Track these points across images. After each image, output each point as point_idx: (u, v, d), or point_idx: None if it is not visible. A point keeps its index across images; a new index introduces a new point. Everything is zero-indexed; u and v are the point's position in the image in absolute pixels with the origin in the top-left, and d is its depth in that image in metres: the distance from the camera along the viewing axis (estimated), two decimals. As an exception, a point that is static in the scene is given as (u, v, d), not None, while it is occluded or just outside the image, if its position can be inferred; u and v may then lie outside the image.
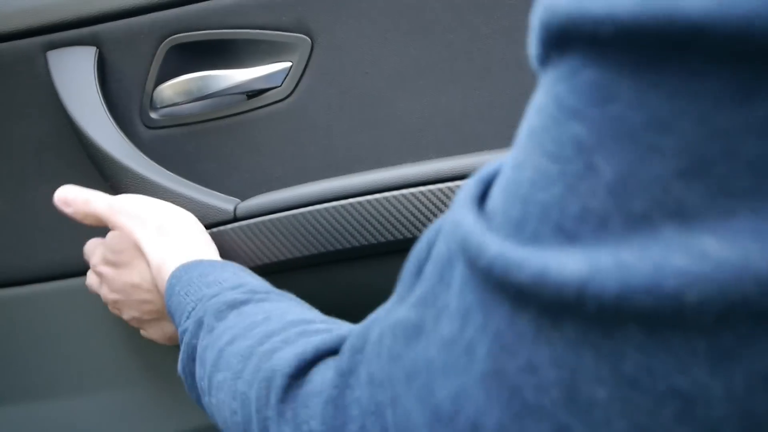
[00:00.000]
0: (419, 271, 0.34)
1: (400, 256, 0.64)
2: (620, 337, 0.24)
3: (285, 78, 0.67)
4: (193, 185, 0.67)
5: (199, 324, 0.53)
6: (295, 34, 0.67)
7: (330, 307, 0.67)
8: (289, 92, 0.67)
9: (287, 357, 0.42)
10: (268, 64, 0.67)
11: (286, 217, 0.65)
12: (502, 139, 0.66)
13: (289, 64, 0.67)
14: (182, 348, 0.55)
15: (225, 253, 0.66)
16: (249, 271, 0.61)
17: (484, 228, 0.28)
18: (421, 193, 0.64)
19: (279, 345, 0.44)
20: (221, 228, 0.66)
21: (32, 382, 0.78)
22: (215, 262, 0.60)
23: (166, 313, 0.66)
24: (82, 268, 0.73)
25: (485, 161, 0.64)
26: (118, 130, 0.68)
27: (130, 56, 0.69)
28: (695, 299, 0.23)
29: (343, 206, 0.65)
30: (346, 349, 0.38)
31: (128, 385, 0.75)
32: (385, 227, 0.64)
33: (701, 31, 0.22)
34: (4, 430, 0.77)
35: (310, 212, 0.64)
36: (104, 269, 0.67)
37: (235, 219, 0.65)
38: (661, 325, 0.23)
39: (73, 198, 0.66)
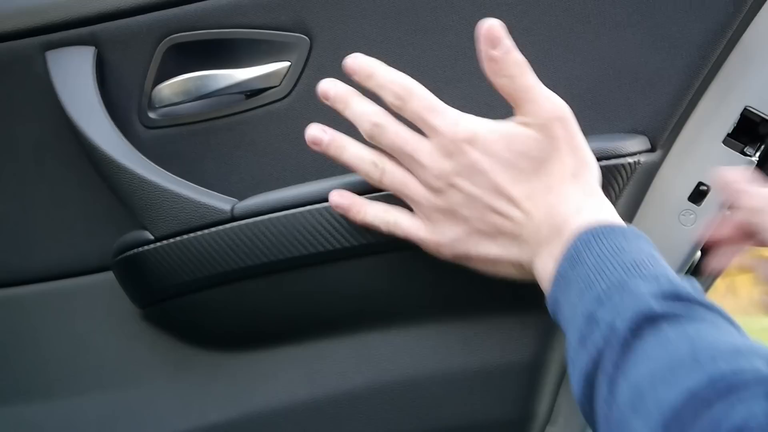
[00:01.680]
0: None
1: (399, 256, 0.64)
2: None
3: (283, 78, 0.67)
4: (190, 185, 0.67)
5: (613, 329, 0.46)
6: (293, 34, 0.67)
7: (329, 307, 0.67)
8: (287, 92, 0.67)
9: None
10: (267, 63, 0.67)
11: (284, 217, 0.64)
12: None
13: (287, 63, 0.67)
14: (590, 348, 0.47)
15: (222, 253, 0.66)
16: (655, 248, 0.52)
17: None
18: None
19: (702, 410, 0.38)
20: (219, 228, 0.66)
21: (32, 382, 0.78)
22: (627, 231, 0.52)
23: (517, 245, 0.57)
24: (81, 268, 0.73)
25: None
26: (116, 130, 0.68)
27: (128, 56, 0.69)
28: None
29: None
30: None
31: (128, 385, 0.75)
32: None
33: None
34: (4, 430, 0.77)
35: (308, 212, 0.64)
36: (475, 152, 0.56)
37: (233, 219, 0.65)
38: None
39: (508, 48, 0.56)
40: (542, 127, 0.56)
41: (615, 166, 0.61)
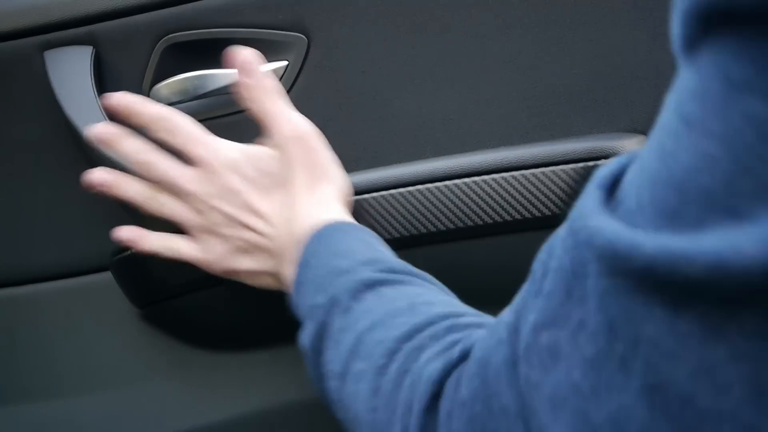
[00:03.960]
0: (539, 292, 0.32)
1: (398, 255, 0.64)
2: None
3: (281, 77, 0.67)
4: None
5: (333, 301, 0.50)
6: (291, 33, 0.67)
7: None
8: (285, 91, 0.67)
9: (436, 365, 0.40)
10: (264, 63, 0.67)
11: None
12: (500, 137, 0.65)
13: (285, 63, 0.67)
14: (313, 324, 0.52)
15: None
16: (378, 240, 0.58)
17: (627, 229, 0.27)
18: (419, 191, 0.64)
19: (427, 342, 0.43)
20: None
21: (32, 382, 0.78)
22: (348, 226, 0.57)
23: (269, 257, 0.61)
24: (80, 268, 0.73)
25: (483, 160, 0.64)
26: None
27: (126, 55, 0.69)
28: None
29: None
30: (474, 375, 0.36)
31: (128, 385, 0.75)
32: (383, 226, 0.64)
33: None
34: (4, 430, 0.78)
35: None
36: (228, 175, 0.61)
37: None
38: None
39: (260, 77, 0.62)
40: (281, 147, 0.61)
41: (614, 166, 0.61)
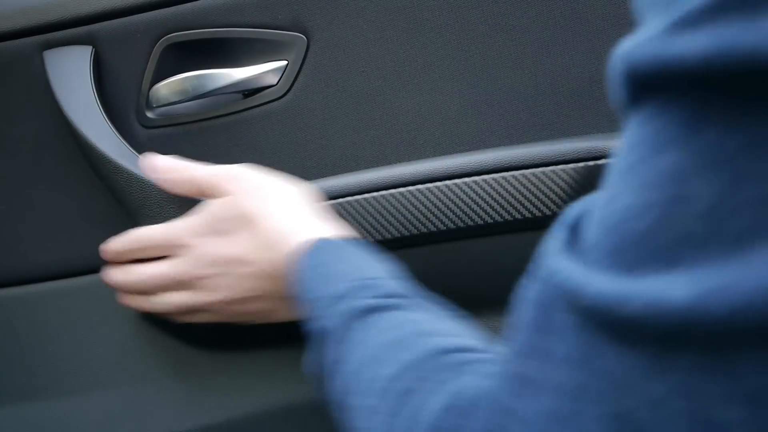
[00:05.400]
0: (517, 323, 0.34)
1: (398, 256, 0.64)
2: (737, 358, 0.24)
3: (281, 77, 0.67)
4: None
5: (326, 331, 0.50)
6: (290, 33, 0.67)
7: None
8: (285, 91, 0.67)
9: (428, 412, 0.39)
10: (264, 62, 0.67)
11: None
12: (499, 137, 0.65)
13: (284, 62, 0.67)
14: (312, 348, 0.52)
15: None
16: (368, 252, 0.56)
17: (580, 268, 0.29)
18: (419, 191, 0.64)
19: (415, 384, 0.42)
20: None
21: (32, 382, 0.78)
22: (337, 244, 0.56)
23: (268, 290, 0.61)
24: (80, 268, 0.73)
25: (482, 160, 0.64)
26: (114, 130, 0.68)
27: (126, 55, 0.69)
28: None
29: (340, 204, 0.65)
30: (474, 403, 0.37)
31: (128, 385, 0.75)
32: (382, 225, 0.64)
33: None
34: (4, 430, 0.77)
35: None
36: (196, 241, 0.62)
37: (230, 218, 0.65)
38: None
39: (173, 166, 0.64)
40: (221, 192, 0.62)
41: (614, 165, 0.61)
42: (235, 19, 0.67)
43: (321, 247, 0.55)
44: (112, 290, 0.72)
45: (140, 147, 0.69)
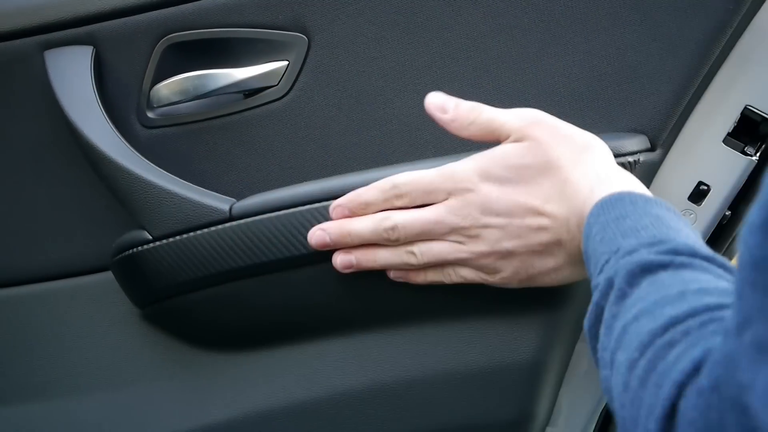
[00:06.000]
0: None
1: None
2: None
3: (282, 77, 0.67)
4: (188, 185, 0.67)
5: (610, 284, 0.47)
6: (291, 33, 0.67)
7: (328, 307, 0.67)
8: (285, 91, 0.67)
9: (682, 365, 0.38)
10: (265, 62, 0.67)
11: (282, 216, 0.64)
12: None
13: (285, 62, 0.67)
14: (591, 306, 0.49)
15: (220, 252, 0.66)
16: (673, 212, 0.52)
17: None
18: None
19: (678, 337, 0.40)
20: (216, 228, 0.66)
21: (32, 382, 0.78)
22: (637, 197, 0.52)
23: (563, 247, 0.57)
24: (80, 268, 0.73)
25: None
26: (115, 130, 0.68)
27: (126, 55, 0.69)
28: None
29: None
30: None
31: (128, 385, 0.75)
32: None
33: None
34: (4, 430, 0.77)
35: (306, 211, 0.64)
36: (484, 186, 0.57)
37: (231, 218, 0.65)
38: None
39: (456, 103, 0.59)
40: (524, 137, 0.57)
41: (614, 166, 0.61)
42: (235, 19, 0.67)
43: (618, 200, 0.52)
44: (112, 290, 0.72)
45: (141, 147, 0.69)
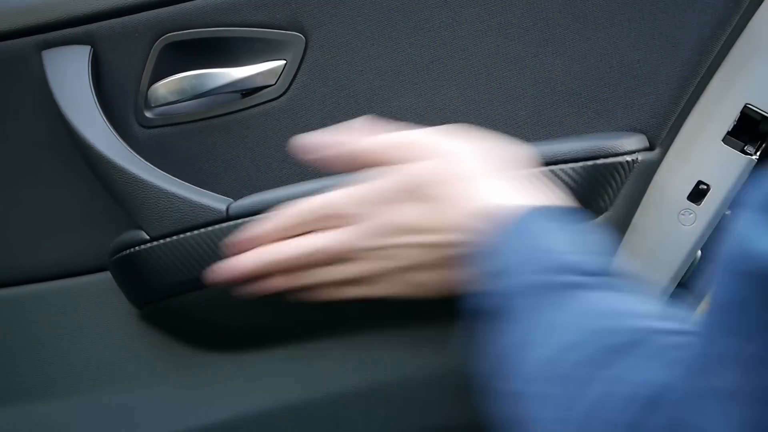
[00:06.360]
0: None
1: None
2: None
3: (279, 76, 0.67)
4: (186, 184, 0.67)
5: (511, 307, 0.48)
6: (289, 32, 0.67)
7: (327, 307, 0.67)
8: (283, 90, 0.67)
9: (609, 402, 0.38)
10: (263, 62, 0.67)
11: (279, 217, 0.64)
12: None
13: (283, 62, 0.67)
14: (483, 325, 0.50)
15: (218, 252, 0.65)
16: (573, 229, 0.52)
17: None
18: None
19: (598, 372, 0.40)
20: (214, 227, 0.66)
21: (32, 382, 0.78)
22: (537, 216, 0.53)
23: (450, 259, 0.57)
24: (80, 268, 0.73)
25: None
26: (112, 130, 0.68)
27: (124, 55, 0.69)
28: None
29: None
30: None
31: (127, 385, 0.75)
32: None
33: None
34: (4, 430, 0.78)
35: None
36: (386, 208, 0.58)
37: (228, 218, 0.65)
38: None
39: (332, 141, 0.60)
40: (415, 158, 0.58)
41: (613, 165, 0.61)
42: (233, 18, 0.67)
43: (521, 218, 0.52)
44: (111, 290, 0.72)
45: (138, 147, 0.69)
